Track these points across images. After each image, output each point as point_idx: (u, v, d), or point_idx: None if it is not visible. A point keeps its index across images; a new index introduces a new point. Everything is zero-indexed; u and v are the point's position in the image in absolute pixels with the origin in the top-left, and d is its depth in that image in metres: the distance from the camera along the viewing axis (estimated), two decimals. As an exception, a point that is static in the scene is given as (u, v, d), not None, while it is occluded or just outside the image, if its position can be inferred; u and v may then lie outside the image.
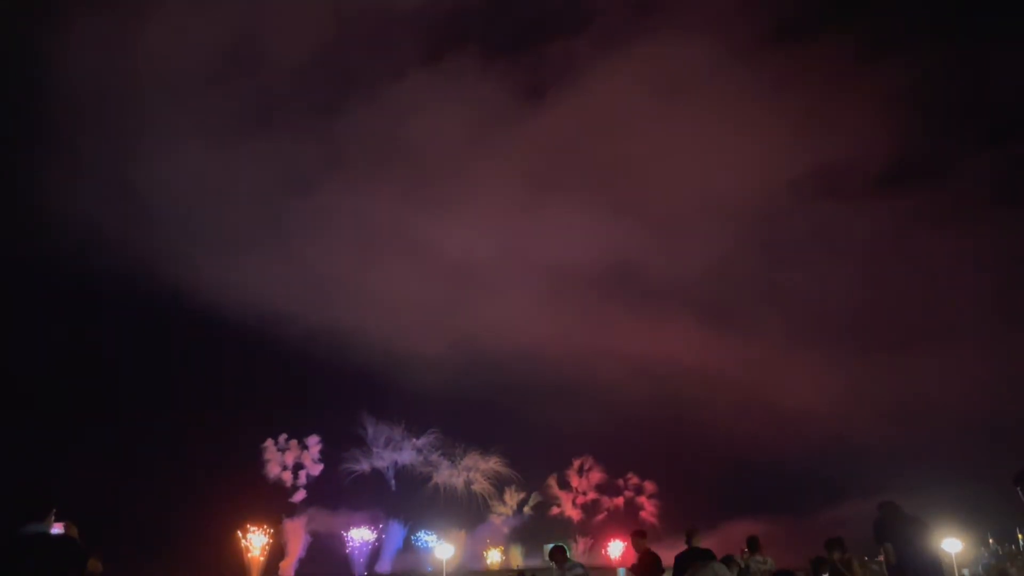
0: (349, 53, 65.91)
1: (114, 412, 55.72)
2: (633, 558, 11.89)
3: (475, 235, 71.53)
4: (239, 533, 57.51)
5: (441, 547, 36.14)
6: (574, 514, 65.49)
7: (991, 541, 43.19)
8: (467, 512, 62.26)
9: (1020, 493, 7.91)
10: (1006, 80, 61.16)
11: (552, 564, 10.38)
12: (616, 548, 61.24)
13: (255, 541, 57.90)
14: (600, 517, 65.47)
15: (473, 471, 64.91)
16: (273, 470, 62.19)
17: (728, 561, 10.93)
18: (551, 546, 10.24)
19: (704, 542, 10.93)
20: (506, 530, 64.47)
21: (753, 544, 12.73)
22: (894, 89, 68.42)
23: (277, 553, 59.44)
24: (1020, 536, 43.07)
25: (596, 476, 66.40)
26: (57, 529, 6.21)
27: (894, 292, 68.41)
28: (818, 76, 72.67)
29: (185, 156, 63.35)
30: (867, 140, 70.80)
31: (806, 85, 75.21)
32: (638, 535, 11.33)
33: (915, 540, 8.72)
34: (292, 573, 58.62)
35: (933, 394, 59.55)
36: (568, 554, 10.37)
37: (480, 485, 64.90)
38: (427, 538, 59.70)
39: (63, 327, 55.31)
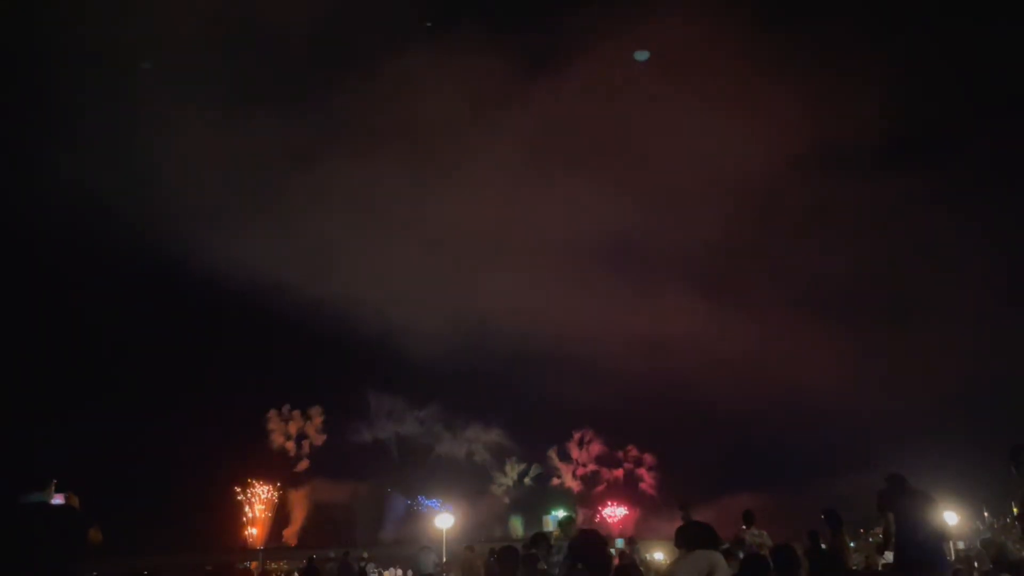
0: (350, 25, 65.21)
1: (114, 383, 56.09)
2: (630, 527, 12.06)
3: (476, 207, 71.26)
4: (238, 489, 58.30)
5: (441, 516, 36.51)
6: (574, 485, 66.20)
7: (986, 514, 43.61)
8: (468, 483, 62.94)
9: (1013, 468, 7.99)
10: (1012, 57, 60.34)
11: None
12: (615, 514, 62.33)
13: (258, 494, 58.82)
14: (600, 488, 66.19)
15: (474, 442, 65.51)
16: (277, 440, 62.83)
17: (732, 548, 11.01)
18: (535, 532, 10.09)
19: (703, 515, 11.04)
20: (507, 501, 65.21)
21: (749, 518, 12.86)
22: (898, 65, 67.64)
23: (281, 520, 60.28)
24: (1015, 509, 43.37)
25: (596, 448, 67.03)
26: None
27: (894, 267, 68.32)
28: (821, 51, 71.88)
29: (185, 127, 62.90)
30: (870, 116, 70.06)
31: (809, 60, 74.38)
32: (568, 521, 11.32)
33: (918, 512, 8.76)
34: (296, 541, 59.46)
35: (931, 368, 59.71)
36: (552, 538, 10.21)
37: (481, 456, 65.53)
38: (428, 502, 60.46)
39: (63, 297, 55.44)
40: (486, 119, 72.44)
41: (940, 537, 8.92)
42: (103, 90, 60.44)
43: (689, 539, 10.40)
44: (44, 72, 56.58)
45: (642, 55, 62.32)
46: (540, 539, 10.22)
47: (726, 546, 11.22)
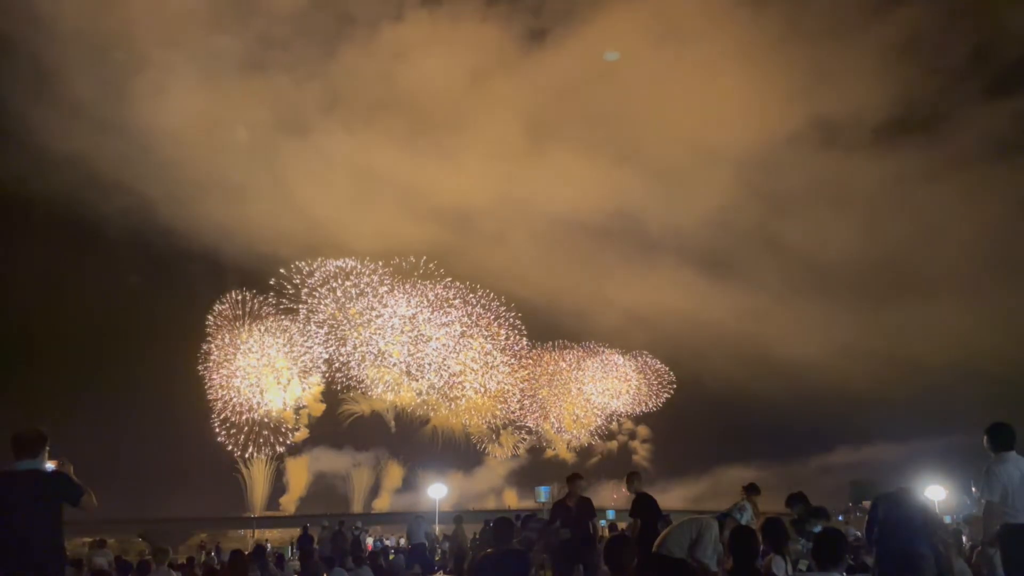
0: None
1: (112, 353, 56.16)
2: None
3: (473, 181, 70.88)
4: (239, 459, 58.76)
5: (435, 487, 36.88)
6: (568, 457, 66.70)
7: (974, 489, 44.30)
8: (464, 454, 63.52)
9: (986, 442, 8.21)
10: (1009, 34, 59.99)
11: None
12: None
13: (257, 468, 59.32)
14: (594, 461, 66.73)
15: (470, 414, 65.75)
16: (275, 409, 62.85)
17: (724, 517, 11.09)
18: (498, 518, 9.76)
19: (696, 487, 11.09)
20: (502, 472, 65.73)
21: (751, 490, 13.03)
22: (897, 41, 67.03)
23: (279, 488, 60.76)
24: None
25: (590, 420, 67.41)
26: (50, 466, 6.31)
27: (891, 245, 68.49)
28: (821, 26, 71.14)
29: (182, 98, 62.35)
30: (868, 92, 69.66)
31: (808, 35, 73.65)
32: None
33: None
34: (293, 509, 59.97)
35: (924, 345, 60.17)
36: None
37: (477, 428, 65.85)
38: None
39: (61, 268, 55.37)
40: (484, 91, 71.80)
41: None
42: (98, 61, 59.84)
43: (654, 509, 10.75)
44: (38, 41, 55.88)
45: (612, 55, 63.44)
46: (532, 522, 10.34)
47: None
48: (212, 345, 58.99)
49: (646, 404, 66.99)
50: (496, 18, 68.78)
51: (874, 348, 63.87)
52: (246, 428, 59.17)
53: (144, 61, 61.30)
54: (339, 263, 61.90)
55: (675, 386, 65.91)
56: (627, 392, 67.27)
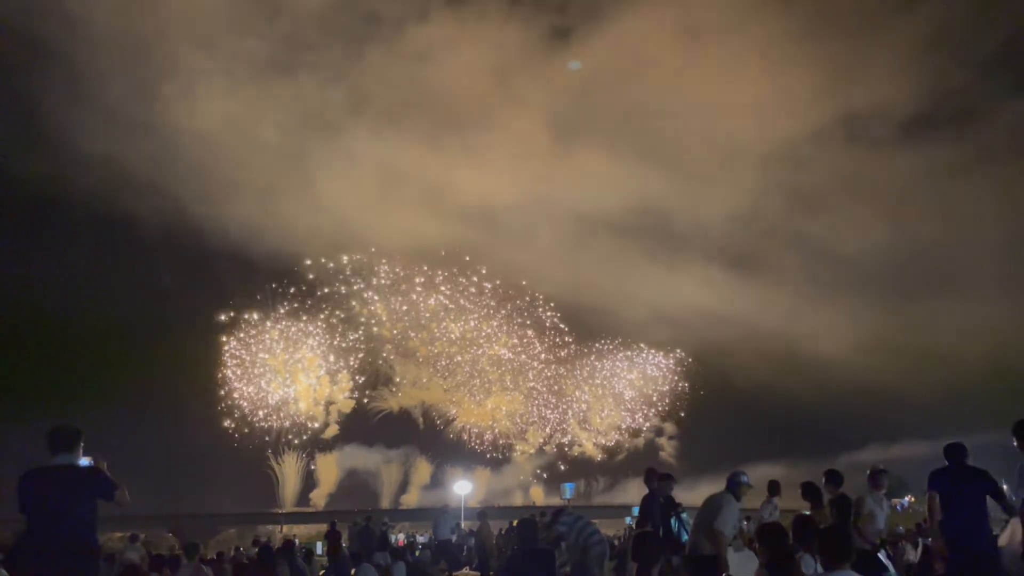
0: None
1: (144, 350, 57.00)
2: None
3: (499, 180, 70.91)
4: (270, 455, 59.46)
5: (460, 483, 37.06)
6: (595, 454, 66.60)
7: (1005, 487, 43.58)
8: (491, 451, 63.72)
9: (1014, 440, 8.04)
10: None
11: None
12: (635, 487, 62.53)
13: (288, 466, 59.99)
14: (620, 458, 66.58)
15: (497, 411, 65.88)
16: (305, 406, 63.44)
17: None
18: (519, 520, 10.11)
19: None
20: (529, 469, 65.79)
21: (772, 488, 12.95)
22: (924, 34, 66.04)
23: (308, 484, 61.35)
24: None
25: (617, 417, 67.25)
26: (84, 461, 6.42)
27: (919, 240, 67.49)
28: (847, 21, 70.27)
29: (211, 100, 63.13)
30: (896, 86, 68.65)
31: (835, 30, 72.69)
32: None
33: None
34: (322, 504, 60.54)
35: (954, 341, 59.21)
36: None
37: (503, 425, 65.94)
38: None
39: (94, 267, 56.25)
40: (509, 90, 71.86)
41: None
42: (128, 63, 60.75)
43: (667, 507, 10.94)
44: (72, 45, 56.82)
45: (575, 64, 63.72)
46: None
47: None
48: (242, 342, 59.84)
49: (673, 401, 66.82)
50: (521, 17, 68.79)
51: (903, 345, 63.01)
52: (276, 424, 59.94)
53: (174, 64, 62.17)
54: (366, 260, 62.42)
55: (702, 383, 65.73)
56: (653, 389, 67.09)
